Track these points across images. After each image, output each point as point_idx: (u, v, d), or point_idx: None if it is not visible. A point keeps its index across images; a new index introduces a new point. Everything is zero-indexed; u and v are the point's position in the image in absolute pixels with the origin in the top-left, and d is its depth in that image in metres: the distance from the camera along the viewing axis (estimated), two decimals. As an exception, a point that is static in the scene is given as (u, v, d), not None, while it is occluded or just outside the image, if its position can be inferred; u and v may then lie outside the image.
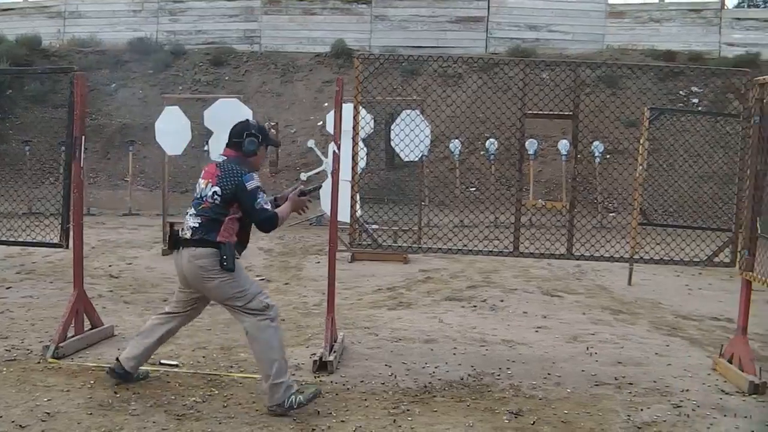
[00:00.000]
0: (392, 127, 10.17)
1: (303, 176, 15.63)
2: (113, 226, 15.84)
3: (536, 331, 8.39)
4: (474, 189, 18.72)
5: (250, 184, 5.65)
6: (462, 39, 24.31)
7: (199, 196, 5.72)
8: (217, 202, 5.63)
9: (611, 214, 17.92)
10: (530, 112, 7.10)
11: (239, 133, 5.78)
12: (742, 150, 6.99)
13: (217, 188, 5.61)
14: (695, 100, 21.80)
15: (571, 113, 7.06)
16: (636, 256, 8.26)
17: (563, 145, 17.38)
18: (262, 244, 14.19)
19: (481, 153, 19.21)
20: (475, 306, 9.63)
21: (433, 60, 7.76)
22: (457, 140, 17.67)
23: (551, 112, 7.51)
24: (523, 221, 7.65)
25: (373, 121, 11.07)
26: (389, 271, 11.84)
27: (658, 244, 8.12)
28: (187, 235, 5.71)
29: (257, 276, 11.18)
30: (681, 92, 21.86)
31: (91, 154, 21.46)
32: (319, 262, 12.37)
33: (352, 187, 7.56)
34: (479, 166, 19.07)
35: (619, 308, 9.82)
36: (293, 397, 5.66)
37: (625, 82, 20.18)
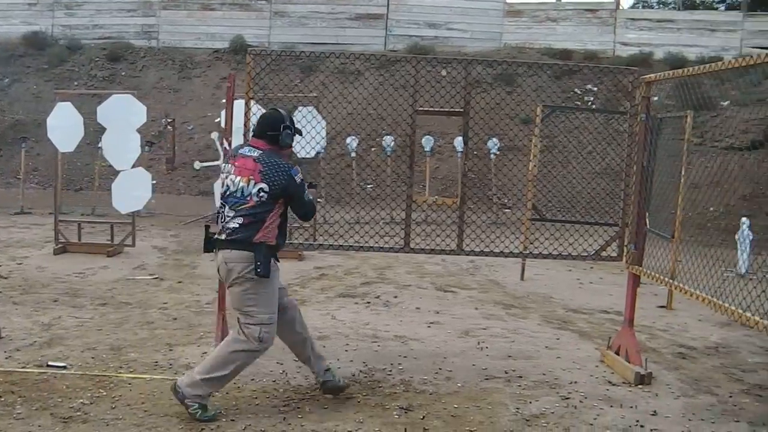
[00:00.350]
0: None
1: (197, 165, 15.48)
2: (4, 225, 15.40)
3: (428, 327, 8.43)
4: (371, 186, 18.74)
5: (299, 177, 5.53)
6: (361, 36, 24.31)
7: (238, 194, 5.44)
8: (263, 199, 5.40)
9: (506, 210, 18.16)
10: (421, 108, 7.14)
11: (274, 126, 5.55)
12: (629, 147, 7.15)
13: (263, 185, 5.39)
14: (590, 99, 22.20)
15: (462, 110, 7.11)
16: (526, 251, 8.34)
17: (459, 142, 17.53)
18: (156, 243, 14.00)
19: (378, 150, 19.25)
20: (368, 302, 9.64)
21: (326, 56, 7.74)
22: (352, 137, 17.68)
23: (442, 109, 7.55)
24: (419, 218, 7.69)
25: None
26: (284, 268, 11.56)
27: (549, 239, 8.26)
28: (223, 236, 5.49)
29: (150, 274, 11.02)
30: (576, 90, 22.23)
31: (-19, 151, 21.00)
32: (212, 260, 12.21)
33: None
34: (378, 163, 19.10)
35: (511, 303, 9.95)
36: (201, 408, 5.50)
37: (522, 80, 20.44)
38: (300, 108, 10.42)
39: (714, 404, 6.32)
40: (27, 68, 23.14)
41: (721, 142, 19.17)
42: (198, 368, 5.60)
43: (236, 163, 5.53)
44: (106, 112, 11.04)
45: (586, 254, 7.39)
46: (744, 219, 12.45)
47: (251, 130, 6.66)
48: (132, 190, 11.09)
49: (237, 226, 5.41)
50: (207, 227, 5.59)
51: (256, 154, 5.50)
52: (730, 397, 6.54)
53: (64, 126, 11.76)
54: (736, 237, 12.33)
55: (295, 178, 5.50)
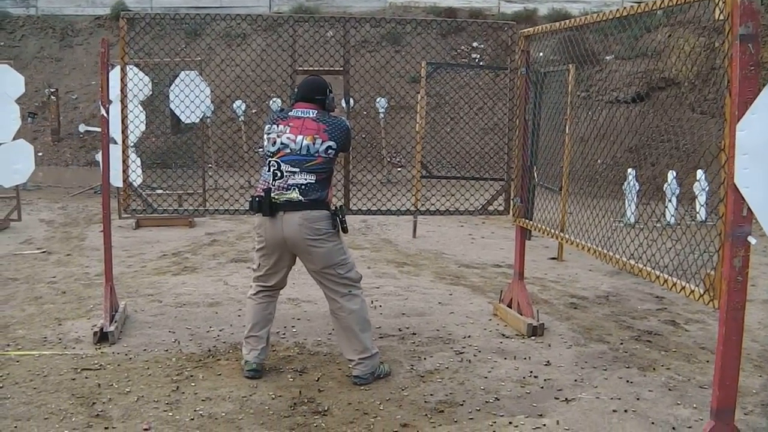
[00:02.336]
0: (171, 89, 9.92)
1: (81, 128, 15.08)
2: None
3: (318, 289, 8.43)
4: (260, 149, 18.53)
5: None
6: (245, -1, 23.95)
7: (303, 152, 5.57)
8: (331, 155, 5.65)
9: (399, 169, 18.21)
10: (300, 68, 7.09)
11: (322, 90, 5.81)
12: (510, 101, 7.21)
13: (331, 142, 5.62)
14: (477, 56, 22.33)
15: (342, 69, 7.09)
16: (413, 209, 8.35)
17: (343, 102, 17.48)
18: (43, 216, 13.66)
19: (266, 113, 19.07)
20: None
21: (202, 19, 7.61)
22: (240, 101, 17.47)
23: (321, 68, 7.50)
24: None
25: (151, 83, 10.75)
26: (175, 236, 11.61)
27: (440, 196, 8.26)
28: (295, 195, 5.53)
29: (38, 248, 10.75)
30: (463, 47, 22.33)
31: None
32: (102, 231, 11.99)
33: (123, 151, 7.30)
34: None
35: (403, 261, 10.01)
36: (381, 366, 5.86)
37: (409, 38, 20.42)
38: (186, 72, 10.18)
39: (605, 351, 6.48)
40: None
41: (606, 95, 19.47)
42: (354, 351, 5.75)
43: (291, 124, 5.66)
44: (-20, 83, 10.65)
45: (473, 209, 7.46)
46: (630, 170, 12.73)
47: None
48: (13, 163, 10.74)
49: (311, 182, 5.58)
50: (268, 190, 5.58)
51: (313, 114, 5.71)
52: (621, 344, 6.71)
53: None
54: (623, 188, 12.61)
55: (350, 128, 5.94)
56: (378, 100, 17.65)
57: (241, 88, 15.16)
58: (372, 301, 7.85)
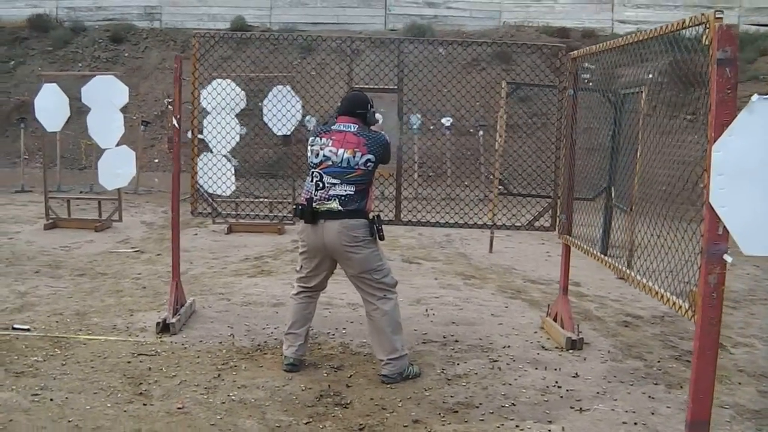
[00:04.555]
0: (264, 103, 10.45)
1: (189, 135, 15.68)
2: (3, 202, 15.79)
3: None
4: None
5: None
6: (361, 15, 24.44)
7: (343, 164, 5.96)
8: (370, 168, 6.02)
9: (500, 187, 18.34)
10: (356, 86, 7.48)
11: (363, 105, 6.21)
12: (558, 121, 7.43)
13: (370, 156, 6.00)
14: (586, 76, 22.31)
15: (396, 87, 7.49)
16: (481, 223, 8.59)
17: (446, 120, 17.80)
18: (146, 218, 14.38)
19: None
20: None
21: (283, 40, 8.05)
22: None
23: (376, 86, 7.89)
24: (410, 195, 8.06)
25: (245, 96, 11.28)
26: (262, 241, 12.10)
27: (518, 212, 8.39)
28: (335, 205, 5.95)
29: (132, 247, 11.41)
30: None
31: (-12, 133, 21.41)
32: (196, 234, 12.63)
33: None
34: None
35: (472, 274, 10.21)
36: (410, 368, 6.20)
37: (519, 58, 20.55)
38: (275, 88, 10.68)
39: (639, 368, 6.58)
40: (32, 50, 23.44)
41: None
42: (384, 352, 6.12)
43: (333, 137, 6.05)
44: (90, 93, 11.33)
45: (519, 224, 7.70)
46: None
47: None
48: (116, 168, 11.41)
49: (351, 193, 5.96)
50: (311, 200, 6.01)
51: (354, 129, 6.09)
52: (658, 362, 6.79)
53: (50, 106, 12.15)
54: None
55: (389, 142, 6.27)
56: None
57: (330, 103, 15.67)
58: (427, 310, 8.18)
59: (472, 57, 19.64)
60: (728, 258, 4.03)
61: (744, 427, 5.47)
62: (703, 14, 4.16)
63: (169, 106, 20.63)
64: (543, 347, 7.07)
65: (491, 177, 18.94)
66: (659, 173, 8.85)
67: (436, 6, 24.64)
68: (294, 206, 6.27)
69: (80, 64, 22.73)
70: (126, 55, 23.28)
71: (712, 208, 3.99)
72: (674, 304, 4.61)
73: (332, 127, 6.13)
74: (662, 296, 4.82)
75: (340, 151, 5.98)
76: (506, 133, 16.82)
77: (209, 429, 5.07)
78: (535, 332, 7.56)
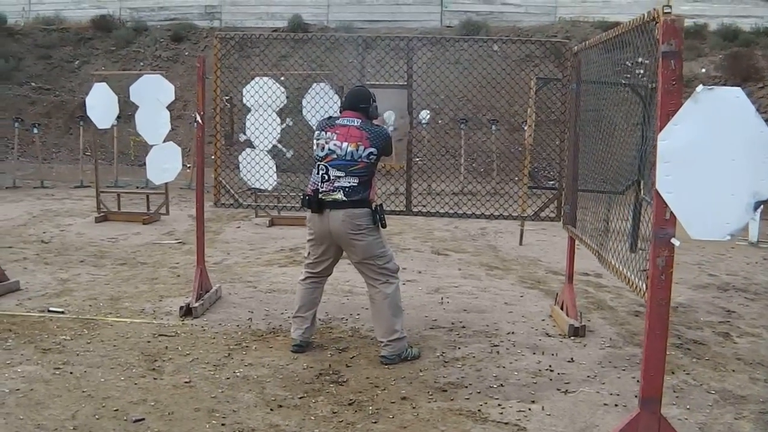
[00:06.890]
0: (305, 100, 10.82)
1: (241, 137, 16.12)
2: (60, 197, 16.38)
3: (403, 284, 8.94)
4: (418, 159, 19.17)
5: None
6: (417, 13, 24.67)
7: (348, 157, 6.29)
8: (372, 161, 6.35)
9: (550, 182, 18.42)
10: (368, 82, 7.81)
11: (366, 100, 6.54)
12: (562, 114, 7.66)
13: (372, 149, 6.33)
14: (640, 71, 22.26)
15: (405, 83, 7.82)
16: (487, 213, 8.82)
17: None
18: (193, 212, 14.78)
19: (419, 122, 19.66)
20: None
21: (279, 35, 8.39)
22: (389, 111, 18.14)
23: (387, 83, 8.22)
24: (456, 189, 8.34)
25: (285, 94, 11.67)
26: (300, 234, 12.26)
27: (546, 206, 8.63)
28: (340, 196, 6.30)
29: (176, 239, 11.87)
30: (627, 63, 22.29)
31: (54, 130, 22.18)
32: (239, 227, 13.05)
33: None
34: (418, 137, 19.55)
35: (496, 265, 10.41)
36: (410, 350, 6.54)
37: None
38: (317, 84, 11.06)
39: (636, 354, 6.68)
40: (96, 50, 24.24)
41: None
42: (384, 333, 6.46)
43: (338, 131, 6.37)
44: (138, 91, 11.80)
45: (525, 215, 7.96)
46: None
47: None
48: (163, 163, 11.85)
49: (354, 184, 6.28)
50: (317, 191, 6.36)
51: (357, 123, 6.41)
52: (659, 349, 6.98)
53: (100, 105, 12.67)
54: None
55: (390, 136, 6.64)
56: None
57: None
58: (442, 298, 8.47)
59: (525, 54, 19.83)
60: (676, 242, 4.27)
61: (724, 411, 5.63)
62: (655, 9, 4.38)
63: (227, 104, 21.18)
64: (547, 334, 7.30)
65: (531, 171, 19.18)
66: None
67: (491, 3, 24.77)
68: (301, 197, 6.62)
69: (142, 63, 23.41)
70: (186, 54, 23.91)
71: (659, 195, 4.22)
72: (635, 286, 4.86)
73: (337, 122, 6.46)
74: (626, 278, 5.07)
75: (344, 144, 6.31)
76: (548, 128, 17.07)
77: (209, 401, 5.47)
78: (543, 320, 7.78)
